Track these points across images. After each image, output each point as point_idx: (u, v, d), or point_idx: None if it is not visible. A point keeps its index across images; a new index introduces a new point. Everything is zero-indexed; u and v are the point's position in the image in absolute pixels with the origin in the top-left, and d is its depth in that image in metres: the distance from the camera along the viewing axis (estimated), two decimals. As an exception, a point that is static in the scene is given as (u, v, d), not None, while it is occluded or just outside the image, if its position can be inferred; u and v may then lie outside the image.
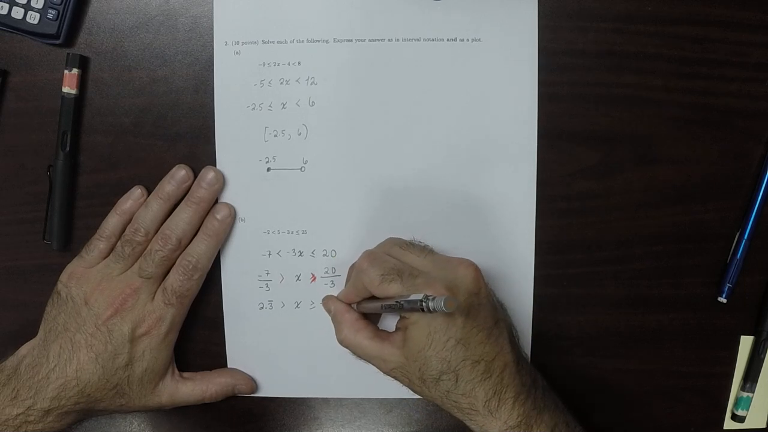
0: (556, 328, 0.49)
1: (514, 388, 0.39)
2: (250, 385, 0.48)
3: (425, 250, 0.43)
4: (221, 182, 0.46)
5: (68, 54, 0.45)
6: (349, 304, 0.45)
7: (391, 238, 0.45)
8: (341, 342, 0.43)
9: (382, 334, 0.42)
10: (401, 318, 0.42)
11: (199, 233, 0.45)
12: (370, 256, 0.42)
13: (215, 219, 0.46)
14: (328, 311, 0.46)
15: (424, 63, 0.46)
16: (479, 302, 0.40)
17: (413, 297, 0.37)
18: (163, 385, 0.45)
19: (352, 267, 0.46)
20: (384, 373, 0.42)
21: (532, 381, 0.41)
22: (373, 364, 0.42)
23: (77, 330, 0.43)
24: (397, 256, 0.42)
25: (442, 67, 0.46)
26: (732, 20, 0.46)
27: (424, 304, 0.35)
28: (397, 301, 0.38)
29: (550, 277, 0.48)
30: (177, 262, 0.45)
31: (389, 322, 0.47)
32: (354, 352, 0.43)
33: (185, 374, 0.47)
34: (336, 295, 0.47)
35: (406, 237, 0.46)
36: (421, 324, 0.39)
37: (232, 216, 0.46)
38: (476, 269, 0.40)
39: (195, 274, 0.44)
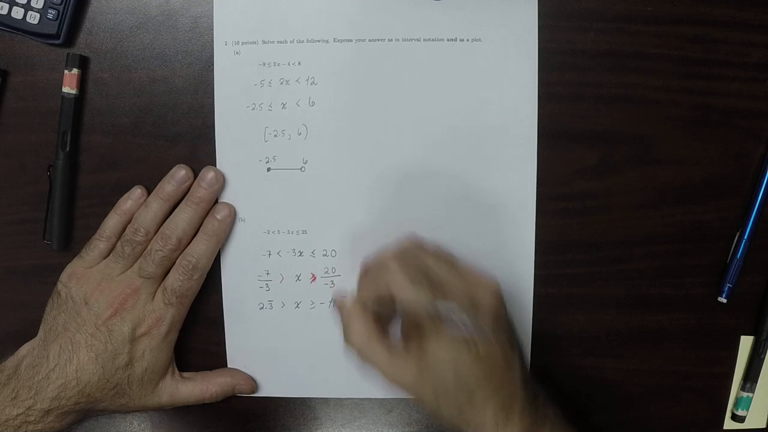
0: (556, 328, 0.49)
1: (520, 403, 0.39)
2: (250, 385, 0.48)
3: (450, 259, 0.42)
4: (221, 182, 0.46)
5: (68, 54, 0.45)
6: (363, 304, 0.43)
7: (414, 237, 0.44)
8: (351, 345, 0.41)
9: (395, 343, 0.41)
10: (411, 326, 0.41)
11: (199, 233, 0.45)
12: (397, 255, 0.41)
13: (215, 219, 0.46)
14: (341, 308, 0.44)
15: (424, 63, 0.46)
16: (499, 322, 0.40)
17: (453, 313, 0.37)
18: (163, 385, 0.45)
19: (367, 263, 0.44)
20: (389, 382, 0.40)
21: (534, 395, 0.41)
22: (380, 373, 0.41)
23: (77, 330, 0.43)
24: (422, 260, 0.41)
25: (442, 67, 0.46)
26: (732, 20, 0.46)
27: (459, 320, 0.36)
28: (433, 311, 0.38)
29: (550, 277, 0.48)
30: (177, 262, 0.44)
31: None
32: (361, 358, 0.41)
33: (185, 374, 0.47)
34: (346, 295, 0.46)
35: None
36: (442, 338, 0.38)
37: (232, 216, 0.46)
38: (499, 289, 0.40)
39: (195, 274, 0.44)
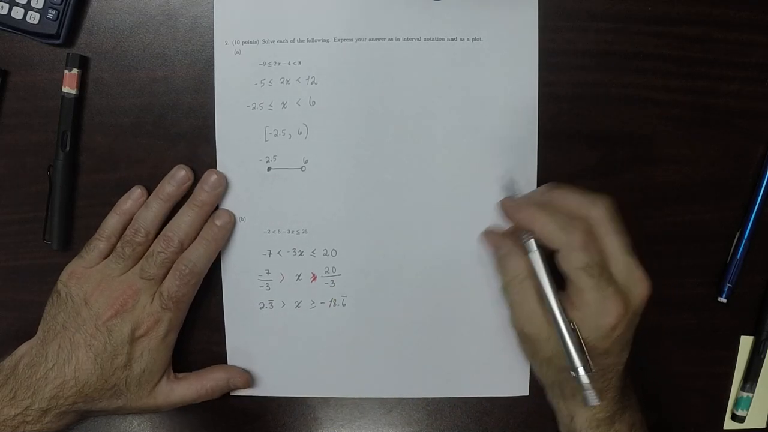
0: (556, 328, 0.49)
1: (617, 389, 0.43)
2: (245, 379, 0.48)
3: (629, 247, 0.42)
4: (224, 186, 0.46)
5: (68, 54, 0.45)
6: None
7: (607, 199, 0.42)
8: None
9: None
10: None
11: (198, 238, 0.45)
12: (612, 219, 0.41)
13: (215, 225, 0.45)
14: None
15: (424, 62, 0.46)
16: (635, 320, 0.42)
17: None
18: (159, 387, 0.45)
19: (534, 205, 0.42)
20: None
21: (625, 381, 0.44)
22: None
23: (77, 330, 0.43)
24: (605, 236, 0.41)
25: (442, 67, 0.46)
26: (732, 20, 0.46)
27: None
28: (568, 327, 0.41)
29: (550, 277, 0.48)
30: (173, 266, 0.44)
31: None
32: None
33: (179, 375, 0.47)
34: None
35: (405, 237, 0.47)
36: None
37: (233, 222, 0.46)
38: (650, 293, 0.41)
39: (192, 279, 0.44)
